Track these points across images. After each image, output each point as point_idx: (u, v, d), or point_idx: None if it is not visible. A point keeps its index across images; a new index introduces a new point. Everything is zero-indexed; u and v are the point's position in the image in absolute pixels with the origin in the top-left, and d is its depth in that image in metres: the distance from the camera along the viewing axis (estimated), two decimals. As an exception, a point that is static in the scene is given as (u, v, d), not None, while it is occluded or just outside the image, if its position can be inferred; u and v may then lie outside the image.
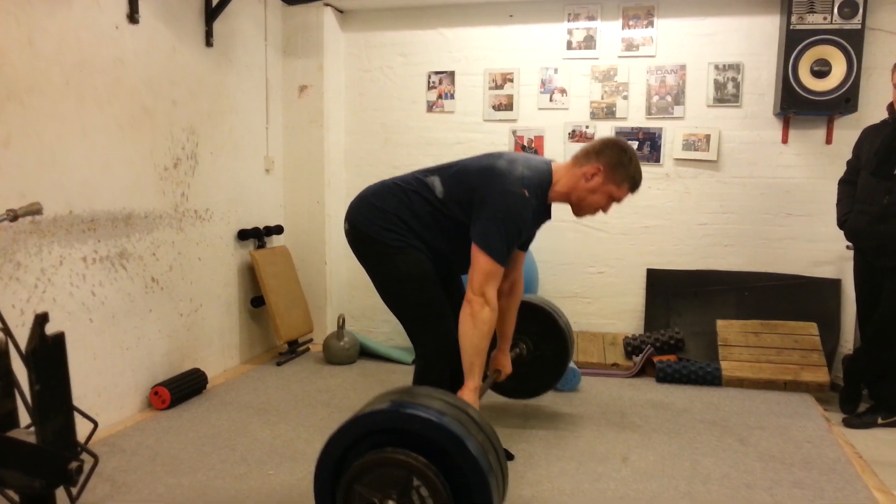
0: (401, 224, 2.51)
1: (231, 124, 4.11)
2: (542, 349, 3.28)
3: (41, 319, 1.13)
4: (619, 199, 2.52)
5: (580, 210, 2.57)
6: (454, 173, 2.53)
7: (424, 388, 1.92)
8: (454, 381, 2.42)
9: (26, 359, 1.12)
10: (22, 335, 1.63)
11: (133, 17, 3.23)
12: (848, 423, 3.49)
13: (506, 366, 2.90)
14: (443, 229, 2.51)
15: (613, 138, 2.74)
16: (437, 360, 2.53)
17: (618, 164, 2.46)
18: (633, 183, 2.50)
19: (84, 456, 1.51)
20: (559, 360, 3.30)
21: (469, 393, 2.32)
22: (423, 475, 1.60)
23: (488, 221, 2.35)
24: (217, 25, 3.87)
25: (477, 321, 2.32)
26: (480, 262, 2.34)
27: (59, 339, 1.17)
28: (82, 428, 1.66)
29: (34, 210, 2.53)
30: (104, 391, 3.17)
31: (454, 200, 2.48)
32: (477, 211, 2.40)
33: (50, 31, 2.80)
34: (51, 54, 2.80)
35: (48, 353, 1.14)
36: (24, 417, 1.40)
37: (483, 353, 2.37)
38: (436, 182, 2.53)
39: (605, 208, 2.54)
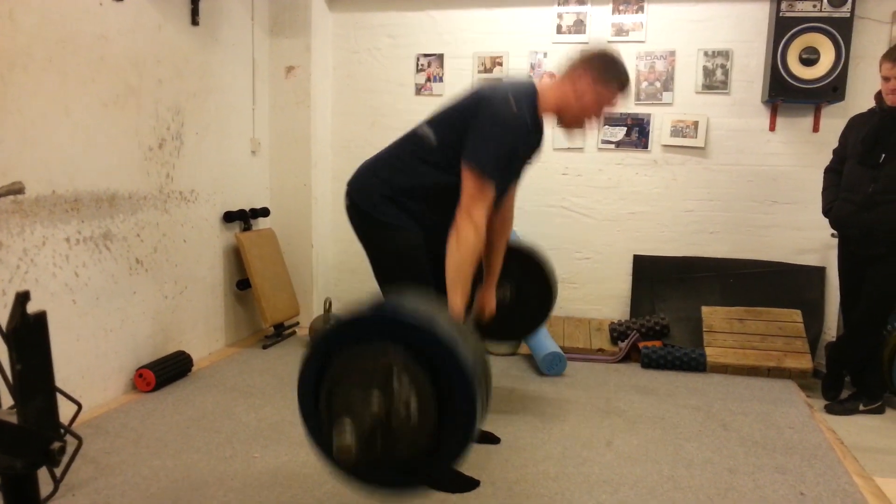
0: (399, 198, 2.45)
1: (217, 104, 4.06)
2: (525, 292, 3.18)
3: (22, 298, 1.11)
4: (610, 103, 2.43)
5: (570, 120, 2.46)
6: (444, 118, 2.46)
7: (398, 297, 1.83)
8: None
9: (7, 338, 1.10)
10: (3, 316, 1.61)
11: (117, -7, 3.17)
12: (830, 410, 3.53)
13: (490, 304, 2.82)
14: (445, 189, 2.38)
15: (596, 46, 2.57)
16: None
17: (604, 65, 2.40)
18: (622, 83, 2.41)
19: (68, 438, 1.50)
20: (543, 303, 3.20)
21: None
22: (403, 366, 1.55)
23: (477, 139, 2.28)
24: (203, 3, 3.80)
25: (460, 243, 2.22)
26: (469, 181, 2.25)
27: (41, 317, 1.15)
28: (66, 410, 1.65)
29: (16, 189, 2.49)
30: (88, 373, 3.14)
31: (448, 146, 2.39)
32: (468, 139, 2.32)
33: (32, 6, 2.73)
34: (33, 30, 2.74)
35: (30, 332, 1.12)
36: (7, 399, 1.39)
37: (466, 279, 2.24)
38: (428, 132, 2.46)
39: (596, 113, 2.44)
